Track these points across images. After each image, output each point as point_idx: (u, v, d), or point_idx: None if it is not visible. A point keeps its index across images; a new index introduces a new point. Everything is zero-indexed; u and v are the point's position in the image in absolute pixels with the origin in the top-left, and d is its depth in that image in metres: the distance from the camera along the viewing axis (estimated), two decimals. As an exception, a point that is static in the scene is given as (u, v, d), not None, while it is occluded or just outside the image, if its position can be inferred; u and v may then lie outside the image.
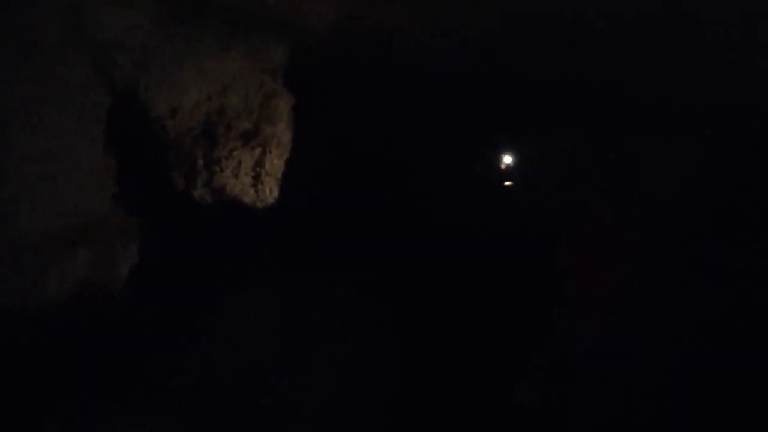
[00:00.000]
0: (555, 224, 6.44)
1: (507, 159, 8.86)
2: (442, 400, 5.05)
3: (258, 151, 6.97)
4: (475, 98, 7.45)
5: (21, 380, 4.76)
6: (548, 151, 7.53)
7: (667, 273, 5.22)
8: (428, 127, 7.77)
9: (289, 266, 6.60)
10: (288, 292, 6.29)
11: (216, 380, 5.13)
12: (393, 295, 6.41)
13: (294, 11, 6.55)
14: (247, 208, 6.72)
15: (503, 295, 6.37)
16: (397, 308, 6.26)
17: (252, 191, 6.96)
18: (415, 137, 7.86)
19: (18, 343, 5.05)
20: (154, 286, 6.00)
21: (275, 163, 7.05)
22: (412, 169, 8.06)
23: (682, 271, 5.22)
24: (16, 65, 5.17)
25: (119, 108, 6.12)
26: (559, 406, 4.86)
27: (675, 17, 5.06)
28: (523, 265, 6.48)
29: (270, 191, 7.05)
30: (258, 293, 6.21)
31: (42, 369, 4.88)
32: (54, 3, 5.45)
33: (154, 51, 6.23)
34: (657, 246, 5.41)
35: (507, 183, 8.66)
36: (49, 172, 5.31)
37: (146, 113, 6.31)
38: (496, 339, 5.69)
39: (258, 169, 6.90)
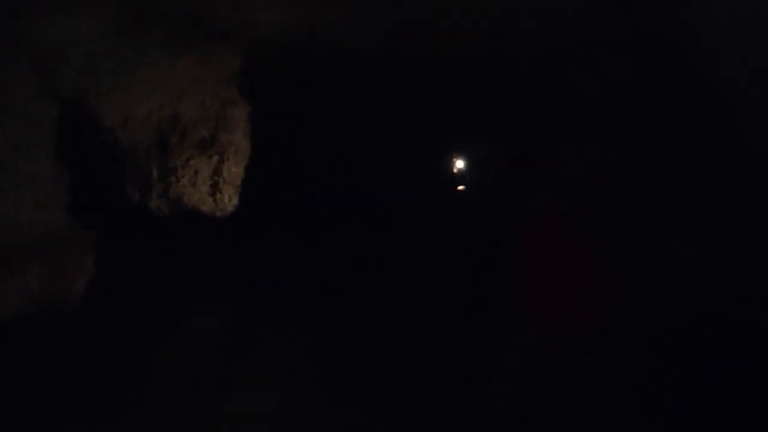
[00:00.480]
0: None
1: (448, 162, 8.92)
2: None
3: (215, 159, 6.85)
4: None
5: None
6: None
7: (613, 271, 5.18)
8: (389, 129, 7.77)
9: (253, 272, 6.59)
10: (250, 298, 6.28)
11: (176, 388, 5.13)
12: (357, 302, 6.45)
13: (245, 18, 6.54)
14: (207, 217, 6.68)
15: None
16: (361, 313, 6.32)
17: (211, 200, 6.89)
18: (373, 140, 7.86)
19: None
20: (111, 300, 5.97)
21: (233, 171, 6.95)
22: (373, 172, 8.07)
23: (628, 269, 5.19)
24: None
25: (69, 118, 6.01)
26: (523, 416, 4.79)
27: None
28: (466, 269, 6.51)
29: (229, 199, 7.00)
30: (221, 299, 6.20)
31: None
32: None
33: (104, 59, 6.09)
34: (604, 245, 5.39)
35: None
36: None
37: (97, 123, 6.22)
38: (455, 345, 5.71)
39: (216, 177, 6.85)
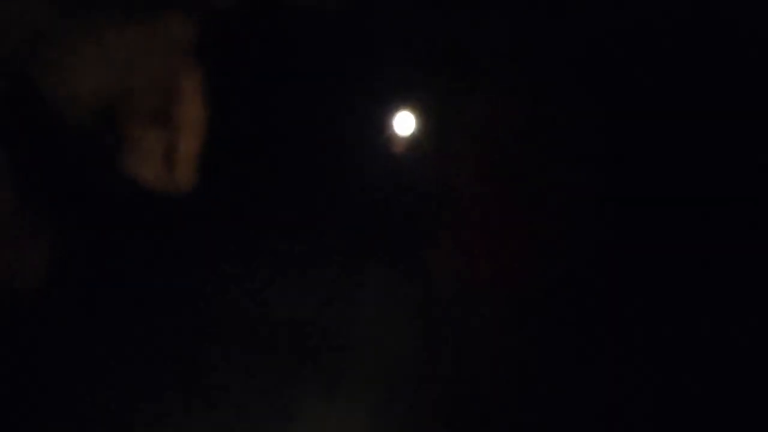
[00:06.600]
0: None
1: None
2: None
3: (169, 133, 6.62)
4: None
5: None
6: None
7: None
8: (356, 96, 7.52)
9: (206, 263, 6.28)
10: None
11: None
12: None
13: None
14: (164, 197, 6.38)
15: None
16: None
17: (167, 177, 6.62)
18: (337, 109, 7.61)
19: None
20: (73, 288, 5.65)
21: (190, 145, 6.71)
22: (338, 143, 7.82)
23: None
24: None
25: (9, 100, 5.78)
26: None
27: None
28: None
29: (188, 176, 6.72)
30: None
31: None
32: None
33: (44, 33, 5.86)
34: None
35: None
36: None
37: (40, 103, 6.04)
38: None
39: (171, 152, 6.56)
